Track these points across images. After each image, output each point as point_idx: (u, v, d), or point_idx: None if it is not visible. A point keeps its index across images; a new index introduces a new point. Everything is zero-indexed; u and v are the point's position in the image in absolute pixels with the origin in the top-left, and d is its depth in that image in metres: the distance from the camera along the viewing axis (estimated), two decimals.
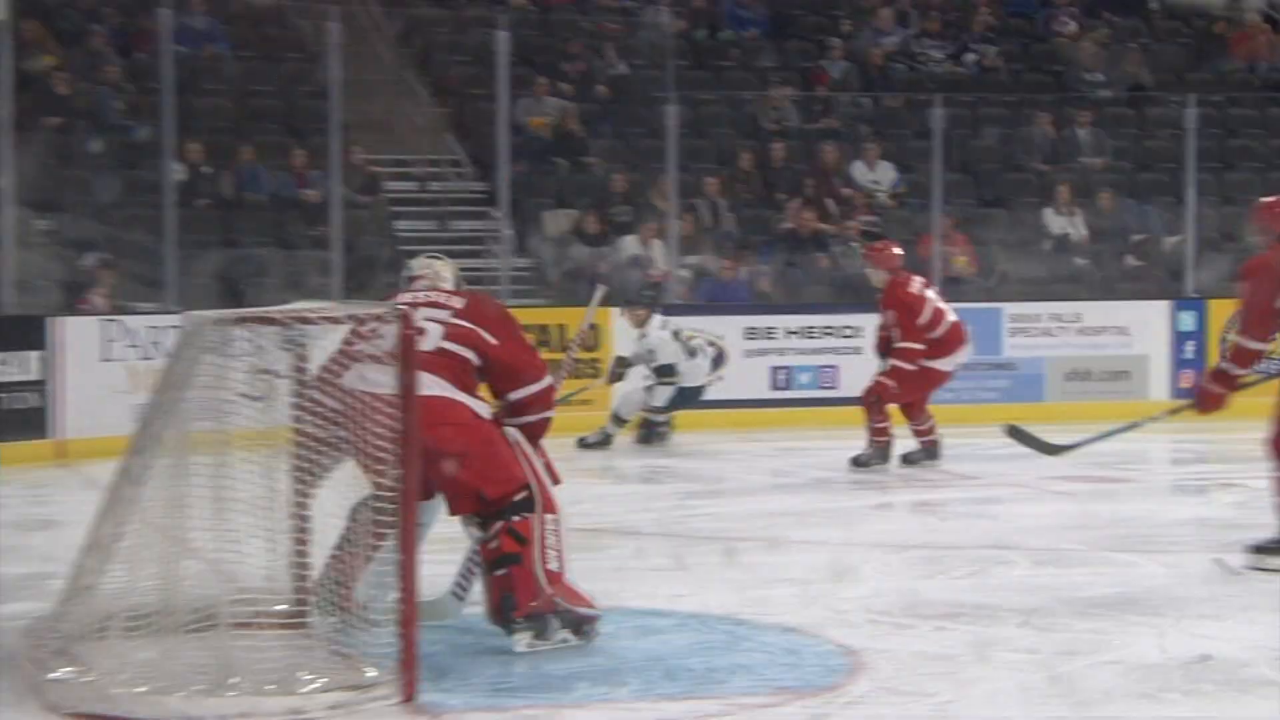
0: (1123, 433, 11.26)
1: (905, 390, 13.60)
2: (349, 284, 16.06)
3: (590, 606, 7.23)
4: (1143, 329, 17.26)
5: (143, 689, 6.36)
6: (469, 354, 7.07)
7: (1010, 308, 17.33)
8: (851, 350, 16.71)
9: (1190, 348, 17.11)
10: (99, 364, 13.46)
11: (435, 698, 6.49)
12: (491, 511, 6.95)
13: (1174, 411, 11.53)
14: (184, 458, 6.94)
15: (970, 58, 21.40)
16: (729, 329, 16.67)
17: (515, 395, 7.25)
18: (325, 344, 7.14)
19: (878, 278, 13.96)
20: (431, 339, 7.02)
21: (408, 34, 20.62)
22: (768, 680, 6.91)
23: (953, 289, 17.63)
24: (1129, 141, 20.19)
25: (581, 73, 19.99)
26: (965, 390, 16.92)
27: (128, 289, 15.90)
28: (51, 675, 6.59)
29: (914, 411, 13.81)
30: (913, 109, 18.69)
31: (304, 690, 6.37)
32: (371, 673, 6.51)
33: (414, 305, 7.10)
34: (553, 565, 7.06)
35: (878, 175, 19.27)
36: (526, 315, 16.50)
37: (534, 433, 7.34)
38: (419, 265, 7.76)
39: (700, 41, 21.06)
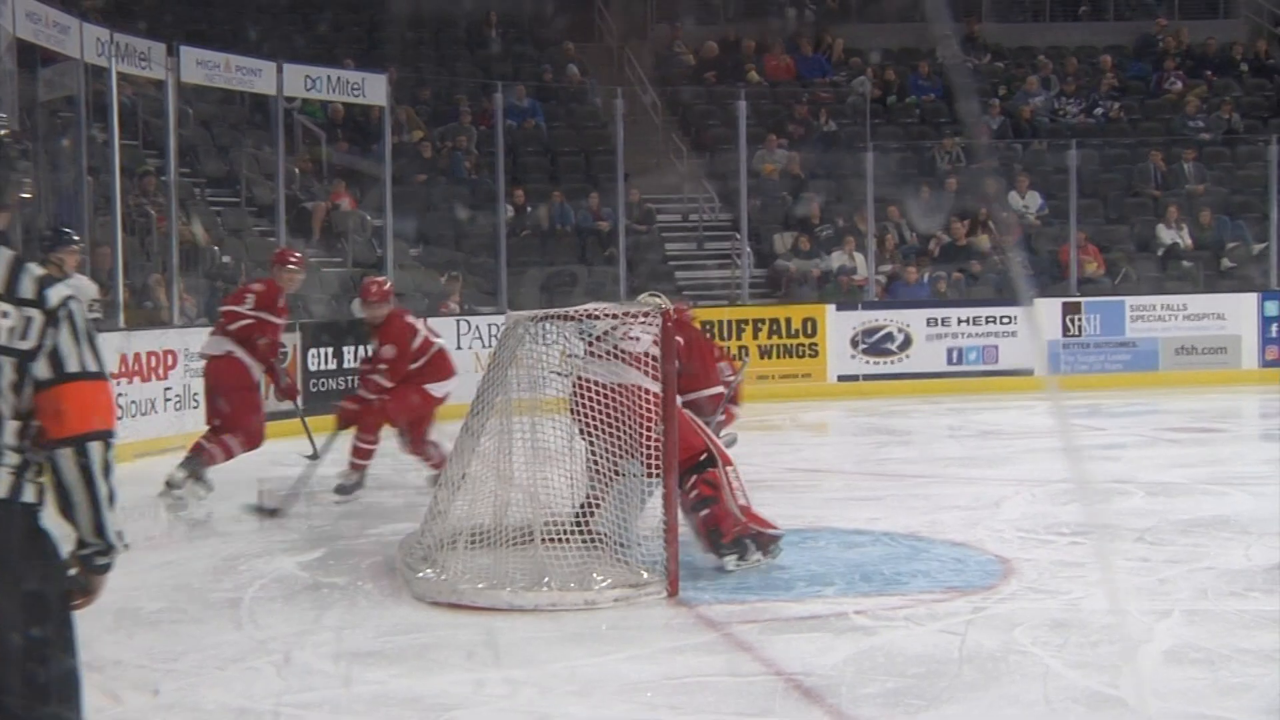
0: None
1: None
2: (635, 288, 16.17)
3: (774, 528, 7.12)
4: (1235, 314, 16.73)
5: (482, 585, 6.51)
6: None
7: (1131, 299, 16.92)
8: (1010, 334, 16.42)
9: (1275, 329, 16.57)
10: (454, 351, 13.71)
11: (692, 594, 6.54)
12: (684, 470, 6.91)
13: None
14: (509, 418, 7.07)
15: (1098, 111, 20.88)
16: (914, 319, 16.47)
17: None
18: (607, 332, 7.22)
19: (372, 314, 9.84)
20: (644, 344, 7.01)
21: (673, 105, 20.72)
22: (940, 581, 6.85)
23: (1086, 287, 17.28)
24: (1223, 172, 19.57)
25: (802, 130, 19.90)
26: (1096, 362, 16.61)
27: (473, 297, 16.23)
28: (418, 575, 6.77)
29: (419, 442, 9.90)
30: (1054, 151, 18.30)
31: (596, 588, 6.46)
32: (645, 575, 6.59)
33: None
34: (742, 501, 7.02)
35: (1027, 202, 18.90)
36: (761, 311, 16.58)
37: (707, 407, 7.37)
38: (643, 299, 7.70)
39: (891, 104, 20.82)
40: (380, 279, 10.47)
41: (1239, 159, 19.12)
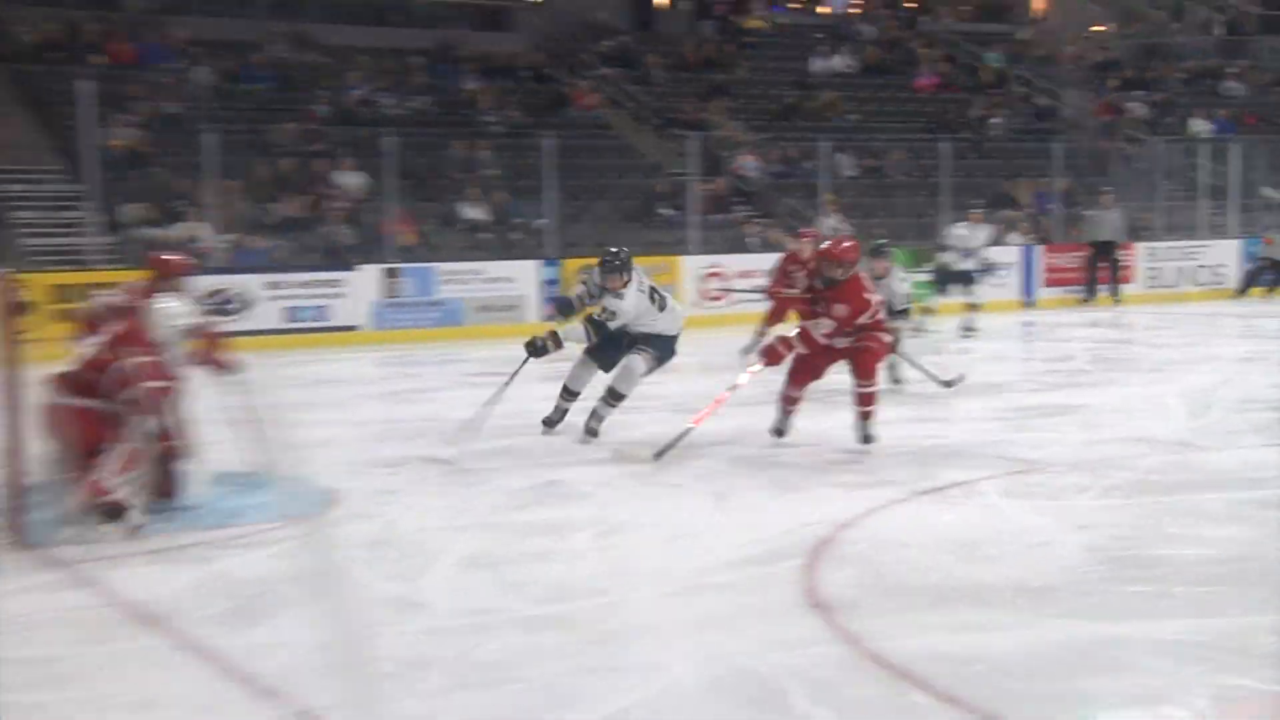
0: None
1: None
2: None
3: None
4: (522, 278, 17.54)
5: None
6: None
7: (441, 265, 17.34)
8: (339, 295, 16.46)
9: (551, 289, 17.52)
10: None
11: (39, 538, 6.10)
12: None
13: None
14: None
15: (410, 104, 21.26)
16: (255, 283, 16.10)
17: None
18: None
19: None
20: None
21: (18, 83, 19.07)
22: (275, 512, 6.78)
23: (404, 254, 17.57)
24: (515, 160, 20.28)
25: (146, 110, 18.90)
26: (412, 319, 16.93)
27: None
28: None
29: None
30: (374, 137, 18.40)
31: None
32: None
33: None
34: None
35: (351, 180, 18.92)
36: (111, 275, 15.64)
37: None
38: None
39: (229, 89, 20.23)
40: None
41: (522, 149, 20.04)
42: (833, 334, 8.49)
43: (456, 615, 5.12)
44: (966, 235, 16.57)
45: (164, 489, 6.76)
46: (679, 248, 18.89)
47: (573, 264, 18.01)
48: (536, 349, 8.98)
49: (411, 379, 13.31)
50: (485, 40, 24.09)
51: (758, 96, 24.65)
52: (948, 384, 10.86)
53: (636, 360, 8.93)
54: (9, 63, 19.22)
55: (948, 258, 16.54)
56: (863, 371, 8.59)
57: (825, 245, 8.73)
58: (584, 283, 9.34)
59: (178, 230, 17.06)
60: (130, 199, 17.30)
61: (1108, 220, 20.50)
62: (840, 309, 8.39)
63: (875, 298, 8.66)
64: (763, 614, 5.15)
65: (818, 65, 26.01)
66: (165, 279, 7.76)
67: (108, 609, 5.18)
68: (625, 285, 8.89)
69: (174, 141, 17.89)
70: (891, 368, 11.02)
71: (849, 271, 8.46)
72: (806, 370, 8.66)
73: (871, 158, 22.79)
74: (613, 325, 8.91)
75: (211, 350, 7.72)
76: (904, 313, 11.00)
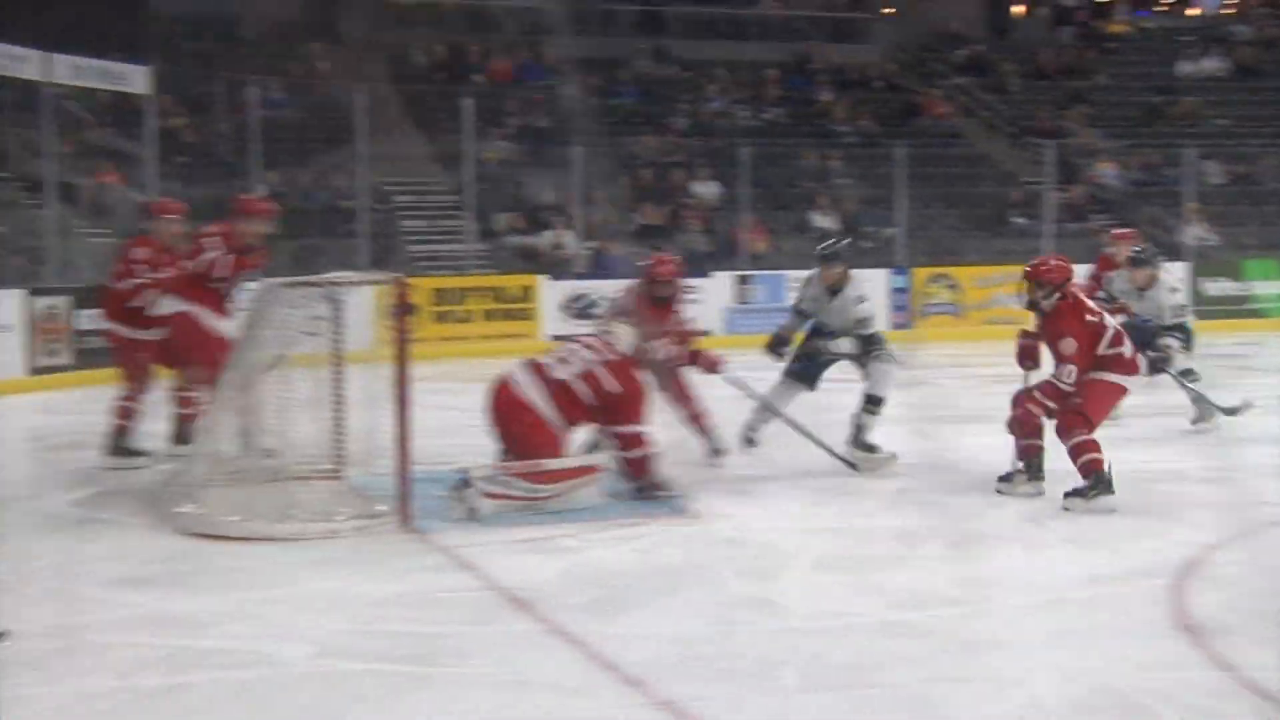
0: None
1: None
2: (375, 260, 15.81)
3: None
4: (871, 287, 17.23)
5: (237, 518, 6.30)
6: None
7: (791, 272, 17.29)
8: (691, 301, 16.67)
9: (900, 299, 17.27)
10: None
11: (424, 524, 6.44)
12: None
13: None
14: (265, 372, 6.87)
15: (765, 115, 21.42)
16: (616, 287, 16.52)
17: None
18: (353, 299, 7.11)
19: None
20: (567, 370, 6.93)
21: (409, 100, 20.35)
22: (637, 509, 6.88)
23: (756, 261, 17.70)
24: (863, 169, 20.16)
25: (519, 125, 19.81)
26: (763, 325, 16.90)
27: None
28: (179, 509, 6.51)
29: None
30: (729, 148, 18.63)
31: (337, 519, 6.33)
32: (381, 507, 6.48)
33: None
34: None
35: (707, 190, 19.23)
36: (485, 280, 16.49)
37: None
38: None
39: (596, 105, 20.94)
40: None
41: (874, 159, 19.84)
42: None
43: (810, 617, 5.09)
44: None
45: (653, 486, 7.00)
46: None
47: (922, 272, 17.70)
48: (775, 350, 8.65)
49: (763, 384, 13.31)
50: (840, 52, 23.99)
51: (1118, 103, 23.52)
52: (1231, 411, 9.28)
53: (884, 366, 8.32)
54: (402, 83, 20.50)
55: None
56: (1060, 431, 6.99)
57: (1030, 265, 7.33)
58: (800, 301, 8.77)
59: (544, 238, 17.79)
60: (502, 208, 18.17)
61: None
62: (1068, 345, 6.94)
63: (1105, 319, 7.15)
64: (1126, 633, 4.88)
65: (1185, 69, 24.58)
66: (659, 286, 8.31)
67: (485, 592, 5.42)
68: (846, 279, 8.35)
69: (543, 154, 18.65)
70: (1196, 404, 9.47)
71: (1052, 296, 7.09)
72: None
73: (1242, 164, 21.33)
74: (867, 332, 8.30)
75: (689, 349, 8.10)
76: (1176, 328, 9.40)
